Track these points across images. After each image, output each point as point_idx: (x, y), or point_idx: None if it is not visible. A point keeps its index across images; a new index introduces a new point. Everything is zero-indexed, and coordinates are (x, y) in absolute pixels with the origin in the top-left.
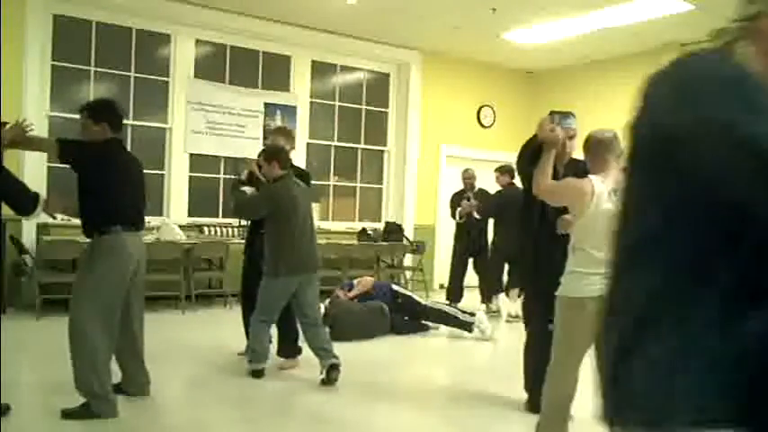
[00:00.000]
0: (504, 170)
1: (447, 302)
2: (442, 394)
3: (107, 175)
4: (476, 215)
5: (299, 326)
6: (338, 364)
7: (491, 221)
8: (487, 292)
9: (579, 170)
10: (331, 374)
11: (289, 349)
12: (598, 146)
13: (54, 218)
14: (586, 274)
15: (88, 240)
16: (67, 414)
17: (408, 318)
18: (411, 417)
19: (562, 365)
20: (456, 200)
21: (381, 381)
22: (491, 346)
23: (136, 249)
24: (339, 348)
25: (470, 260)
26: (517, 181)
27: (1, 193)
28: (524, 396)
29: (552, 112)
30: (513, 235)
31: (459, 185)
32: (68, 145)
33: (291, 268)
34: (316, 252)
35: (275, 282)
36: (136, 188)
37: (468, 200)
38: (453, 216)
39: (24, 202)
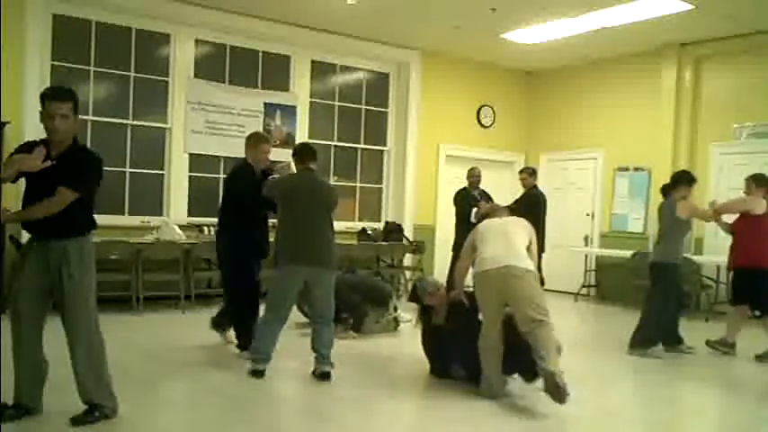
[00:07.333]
0: (531, 172)
1: None
2: (442, 393)
3: (93, 179)
4: None
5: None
6: (328, 373)
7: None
8: None
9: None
10: (321, 379)
11: (223, 323)
12: None
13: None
14: None
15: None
16: (79, 420)
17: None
18: (411, 416)
19: None
20: (464, 198)
21: (381, 379)
22: None
23: None
24: (338, 346)
25: None
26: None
27: None
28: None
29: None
30: (538, 235)
31: (458, 185)
32: (77, 185)
33: (287, 258)
34: (320, 247)
35: (275, 272)
36: None
37: (477, 199)
38: (459, 213)
39: None
